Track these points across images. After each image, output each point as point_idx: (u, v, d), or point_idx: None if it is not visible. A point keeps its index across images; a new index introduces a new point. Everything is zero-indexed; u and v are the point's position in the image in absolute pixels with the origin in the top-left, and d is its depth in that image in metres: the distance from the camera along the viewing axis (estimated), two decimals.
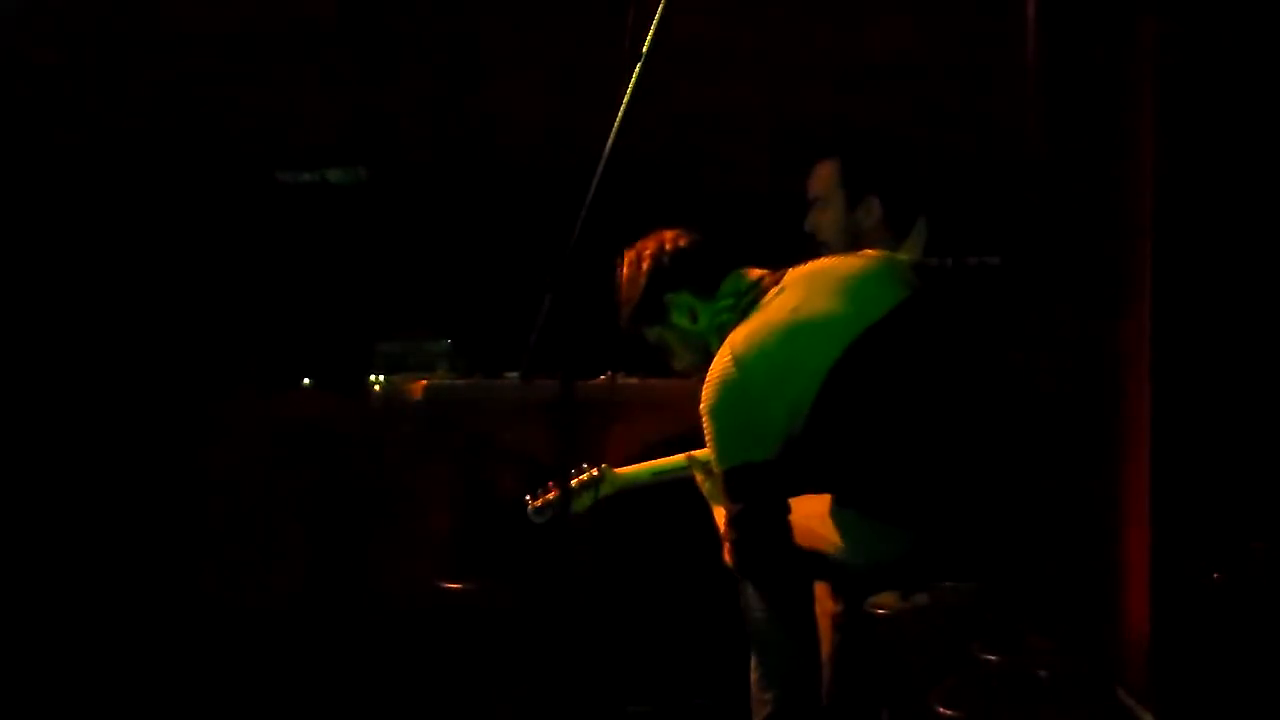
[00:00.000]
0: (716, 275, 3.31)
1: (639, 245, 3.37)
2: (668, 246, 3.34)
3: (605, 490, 3.55)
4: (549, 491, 3.56)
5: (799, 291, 3.20)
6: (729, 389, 3.10)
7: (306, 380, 4.45)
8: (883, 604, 3.08)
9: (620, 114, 2.85)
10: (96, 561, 4.56)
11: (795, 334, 3.11)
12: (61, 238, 4.82)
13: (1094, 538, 3.03)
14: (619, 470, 3.59)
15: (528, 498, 3.53)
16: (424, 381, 4.01)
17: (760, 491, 3.08)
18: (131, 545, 4.57)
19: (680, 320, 3.33)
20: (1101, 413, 3.05)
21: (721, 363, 3.12)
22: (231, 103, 4.80)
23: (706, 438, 3.13)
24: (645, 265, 3.33)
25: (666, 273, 3.32)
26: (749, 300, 3.24)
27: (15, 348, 4.73)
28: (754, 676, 3.19)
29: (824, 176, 3.66)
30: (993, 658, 2.87)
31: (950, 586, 3.05)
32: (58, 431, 4.71)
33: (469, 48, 4.77)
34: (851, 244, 3.61)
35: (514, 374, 3.97)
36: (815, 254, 3.65)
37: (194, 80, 4.71)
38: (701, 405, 3.12)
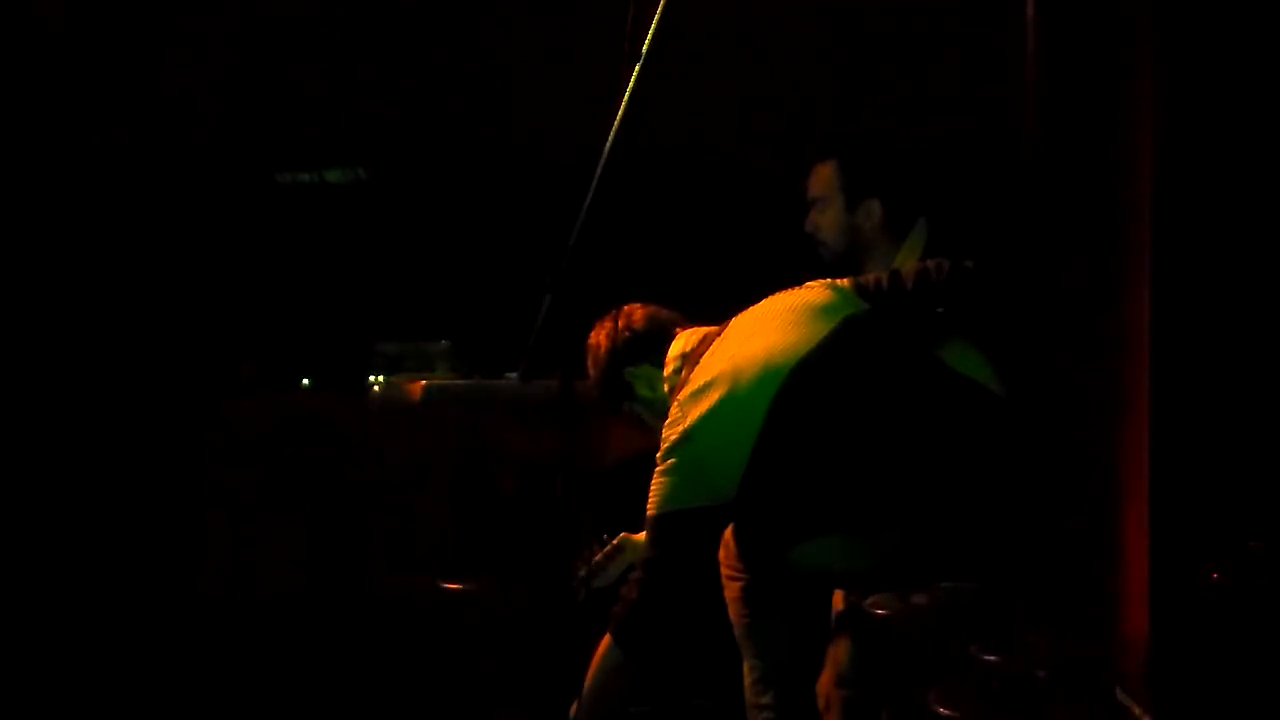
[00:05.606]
0: (669, 343, 3.39)
1: (598, 326, 3.46)
2: (621, 325, 3.43)
3: (629, 558, 3.54)
4: (591, 558, 3.58)
5: (737, 337, 3.23)
6: (677, 444, 3.15)
7: (306, 380, 4.45)
8: (883, 604, 3.08)
9: (620, 114, 2.85)
10: (96, 560, 4.56)
11: (736, 379, 3.13)
12: (62, 238, 4.82)
13: (1093, 537, 3.03)
14: (635, 537, 3.58)
15: (580, 572, 3.54)
16: (424, 381, 4.01)
17: (682, 540, 3.15)
18: (131, 544, 4.57)
19: (644, 392, 3.43)
20: (1100, 411, 3.05)
21: (671, 419, 3.18)
22: (231, 103, 4.81)
23: (651, 490, 3.17)
24: (604, 347, 3.44)
25: (621, 354, 3.42)
26: (696, 357, 3.27)
27: (15, 347, 4.73)
28: (748, 681, 3.19)
29: (823, 178, 3.64)
30: (993, 658, 2.87)
31: (950, 586, 3.05)
32: (57, 431, 4.71)
33: (469, 47, 4.78)
34: (852, 245, 3.61)
35: (513, 374, 3.96)
36: (814, 255, 3.66)
37: (194, 80, 4.71)
38: (657, 460, 3.18)
